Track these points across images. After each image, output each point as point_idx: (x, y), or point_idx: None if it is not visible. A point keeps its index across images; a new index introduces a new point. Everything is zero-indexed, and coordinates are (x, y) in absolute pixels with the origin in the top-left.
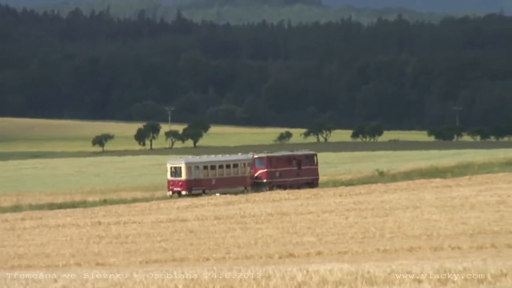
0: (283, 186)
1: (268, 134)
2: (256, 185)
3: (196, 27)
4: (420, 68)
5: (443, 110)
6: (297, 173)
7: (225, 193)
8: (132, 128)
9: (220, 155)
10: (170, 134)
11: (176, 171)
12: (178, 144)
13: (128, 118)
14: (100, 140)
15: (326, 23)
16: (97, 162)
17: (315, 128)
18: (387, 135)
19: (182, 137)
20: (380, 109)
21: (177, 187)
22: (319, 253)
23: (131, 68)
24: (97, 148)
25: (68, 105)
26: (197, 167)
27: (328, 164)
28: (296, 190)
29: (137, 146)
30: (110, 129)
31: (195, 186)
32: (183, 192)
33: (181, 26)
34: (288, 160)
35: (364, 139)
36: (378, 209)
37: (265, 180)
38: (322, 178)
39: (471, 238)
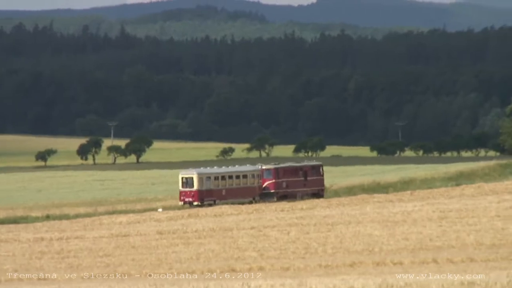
0: (290, 196)
1: (211, 149)
2: (264, 196)
3: (140, 42)
4: (363, 83)
5: (386, 125)
6: (304, 184)
7: (234, 203)
8: (75, 143)
9: (230, 166)
10: (113, 149)
11: (187, 182)
12: (120, 160)
13: (71, 133)
14: (43, 155)
15: (269, 38)
16: (40, 177)
17: (257, 143)
18: (330, 150)
19: (125, 152)
20: (323, 124)
21: (188, 197)
22: (261, 269)
23: (74, 83)
24: (40, 163)
25: (12, 120)
26: (208, 177)
27: None
28: (239, 205)
29: (79, 161)
30: (53, 144)
31: (207, 197)
32: (195, 203)
33: (124, 41)
34: (295, 171)
35: (306, 154)
36: (320, 225)
37: (272, 191)
38: None
39: (413, 253)
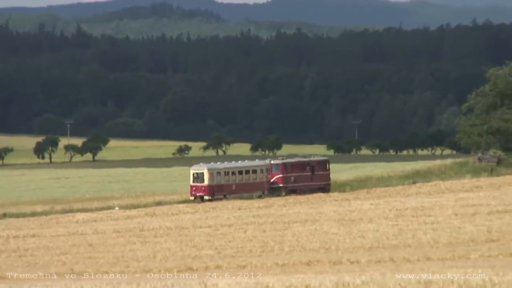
0: (298, 191)
1: (167, 147)
2: (273, 190)
3: (96, 40)
4: (319, 82)
5: (342, 123)
6: (311, 178)
7: (242, 198)
8: (32, 141)
9: (239, 161)
10: (69, 148)
11: (198, 177)
12: (77, 158)
13: (29, 131)
14: None
15: (225, 37)
16: None
17: (214, 142)
18: (286, 149)
19: (81, 150)
20: (279, 123)
21: (199, 192)
22: (218, 267)
23: (31, 82)
24: None
25: None
26: (218, 173)
27: None
28: (196, 204)
29: (36, 160)
30: (10, 142)
31: (217, 191)
32: (206, 197)
33: (80, 39)
34: (303, 166)
35: (263, 153)
36: (277, 223)
37: (281, 185)
38: None
39: (370, 251)
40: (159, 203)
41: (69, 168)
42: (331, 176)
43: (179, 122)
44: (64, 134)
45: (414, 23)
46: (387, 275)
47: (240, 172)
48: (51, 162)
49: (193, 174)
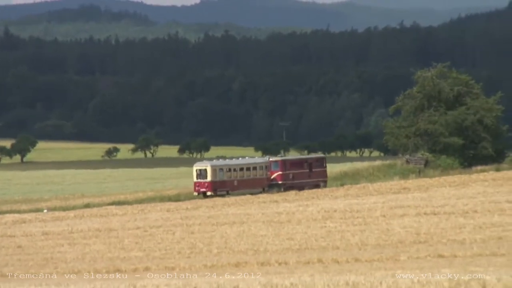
0: (296, 187)
1: (96, 149)
2: (272, 186)
3: (24, 43)
4: (247, 84)
5: (270, 125)
6: (309, 175)
7: (244, 194)
8: None
9: (240, 158)
10: None
11: (201, 173)
12: (5, 160)
13: None
14: None
15: (153, 39)
16: None
17: (142, 144)
18: (214, 151)
19: (10, 152)
20: (207, 125)
21: (203, 188)
22: (146, 269)
23: None
24: None
25: None
26: (221, 169)
27: (155, 179)
28: (124, 206)
29: None
30: None
31: (220, 187)
32: (209, 193)
33: (8, 42)
34: (301, 163)
35: (191, 155)
36: (205, 225)
37: (280, 182)
38: (149, 194)
39: (298, 253)
40: (87, 205)
41: None
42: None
43: (108, 124)
44: None
45: (342, 25)
46: (315, 277)
47: (242, 169)
48: None
49: (196, 170)
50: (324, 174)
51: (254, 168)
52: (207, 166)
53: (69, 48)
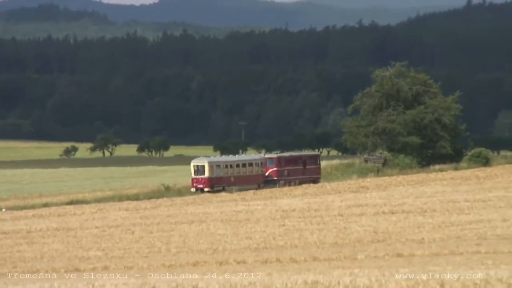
0: (291, 183)
1: (55, 149)
2: (268, 182)
3: None
4: (205, 83)
5: (228, 124)
6: (303, 172)
7: (241, 190)
8: None
9: (236, 155)
10: None
11: (199, 170)
12: None
13: None
14: None
15: (112, 38)
16: None
17: (101, 143)
18: (173, 150)
19: None
20: (166, 124)
21: (200, 184)
22: (105, 268)
23: None
24: None
25: None
26: (218, 165)
27: (113, 178)
28: (80, 205)
29: None
30: None
31: (217, 183)
32: (206, 189)
33: None
34: (295, 160)
35: (149, 154)
36: (163, 224)
37: (275, 178)
38: (107, 193)
39: (256, 252)
40: (46, 205)
41: None
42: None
43: (66, 123)
44: None
45: (300, 24)
46: (274, 276)
47: (238, 165)
48: None
49: (194, 166)
50: (317, 170)
51: (250, 165)
52: (204, 162)
53: (28, 47)
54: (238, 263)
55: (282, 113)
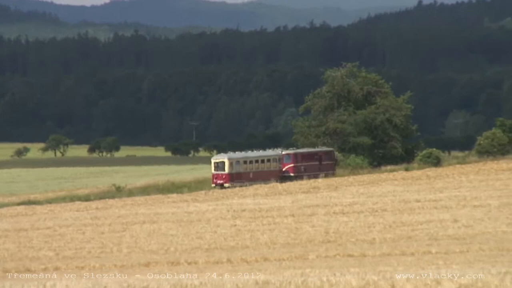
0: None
1: (6, 149)
2: (284, 178)
3: None
4: (157, 83)
5: (180, 125)
6: (319, 168)
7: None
8: None
9: (255, 151)
10: None
11: (219, 166)
12: None
13: None
14: None
15: (63, 39)
16: None
17: (52, 143)
18: (124, 151)
19: None
20: (118, 124)
21: (220, 179)
22: (56, 268)
23: None
24: None
25: None
26: (238, 162)
27: (65, 179)
28: (35, 206)
29: None
30: None
31: (237, 179)
32: (226, 184)
33: None
34: (311, 156)
35: (100, 154)
36: (115, 224)
37: (292, 174)
38: (58, 193)
39: (207, 252)
40: None
41: None
42: (170, 177)
43: (18, 123)
44: None
45: (252, 25)
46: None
47: (257, 161)
48: None
49: (214, 163)
50: (332, 166)
51: (268, 161)
52: (224, 158)
53: None
54: (190, 263)
55: (233, 114)
